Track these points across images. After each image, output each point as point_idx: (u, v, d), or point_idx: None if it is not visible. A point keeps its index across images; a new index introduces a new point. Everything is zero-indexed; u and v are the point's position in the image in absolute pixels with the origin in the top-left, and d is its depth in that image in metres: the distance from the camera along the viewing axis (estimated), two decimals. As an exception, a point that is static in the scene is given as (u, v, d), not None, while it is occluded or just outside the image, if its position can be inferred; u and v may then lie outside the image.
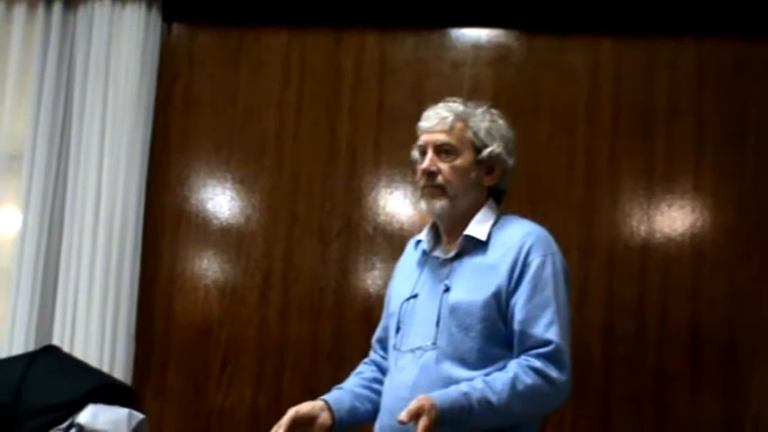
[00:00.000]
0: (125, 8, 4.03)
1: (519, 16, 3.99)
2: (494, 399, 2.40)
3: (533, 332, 2.46)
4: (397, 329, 2.68)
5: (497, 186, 2.73)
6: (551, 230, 3.75)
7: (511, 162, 2.73)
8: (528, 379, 2.42)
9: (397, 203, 3.92)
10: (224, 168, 4.04)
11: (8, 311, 3.91)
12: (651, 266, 3.81)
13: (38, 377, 3.22)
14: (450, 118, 2.65)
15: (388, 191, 3.95)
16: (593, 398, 3.74)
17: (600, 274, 3.82)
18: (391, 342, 2.70)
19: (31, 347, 3.81)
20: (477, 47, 4.00)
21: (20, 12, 4.07)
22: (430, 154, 2.65)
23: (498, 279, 2.52)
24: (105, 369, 3.76)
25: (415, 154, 2.74)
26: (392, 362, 2.68)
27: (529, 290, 2.50)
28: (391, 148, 3.94)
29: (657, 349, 3.74)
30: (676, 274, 3.79)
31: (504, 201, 3.79)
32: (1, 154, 4.04)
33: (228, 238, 4.01)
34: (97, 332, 3.85)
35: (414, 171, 2.77)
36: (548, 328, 2.46)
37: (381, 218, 3.94)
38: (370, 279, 3.90)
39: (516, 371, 2.43)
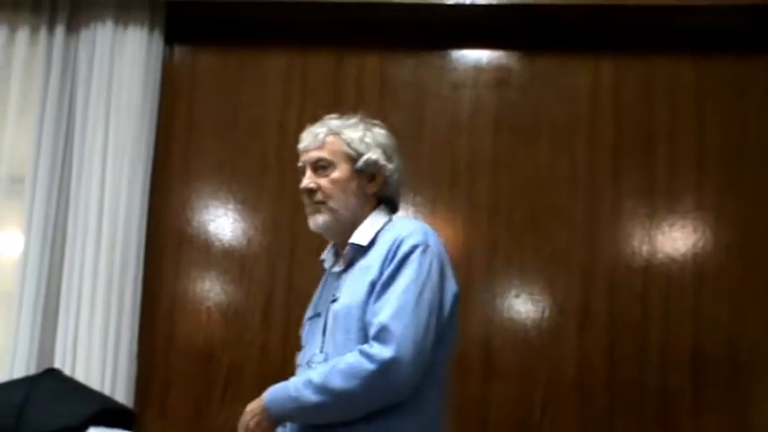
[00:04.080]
0: (127, 30, 4.05)
1: (520, 38, 4.01)
2: (313, 377, 2.43)
3: (372, 320, 2.45)
4: (302, 348, 2.74)
5: (383, 193, 2.71)
6: (554, 250, 3.83)
7: (391, 167, 2.71)
8: (351, 358, 2.41)
9: (398, 224, 3.91)
10: (226, 189, 4.05)
11: (10, 334, 3.90)
12: (653, 286, 3.81)
13: (39, 400, 3.21)
14: (322, 134, 2.68)
15: (390, 212, 3.94)
16: (597, 418, 3.74)
17: (602, 293, 3.83)
18: (296, 361, 2.76)
19: (33, 370, 3.80)
20: (477, 68, 4.02)
21: (23, 34, 4.09)
22: (308, 172, 2.67)
23: (372, 275, 2.52)
24: (107, 391, 3.75)
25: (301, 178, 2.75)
26: None
27: (385, 280, 2.48)
28: (392, 168, 3.94)
29: (660, 369, 3.74)
30: (678, 294, 3.79)
31: (507, 219, 3.86)
32: (3, 177, 4.03)
33: (230, 260, 4.01)
34: (99, 354, 3.83)
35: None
36: (383, 313, 2.43)
37: (383, 239, 3.94)
38: (372, 300, 3.89)
39: (346, 354, 2.44)
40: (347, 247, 2.64)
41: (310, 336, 2.69)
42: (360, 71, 4.03)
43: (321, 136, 2.67)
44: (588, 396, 3.76)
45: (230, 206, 4.04)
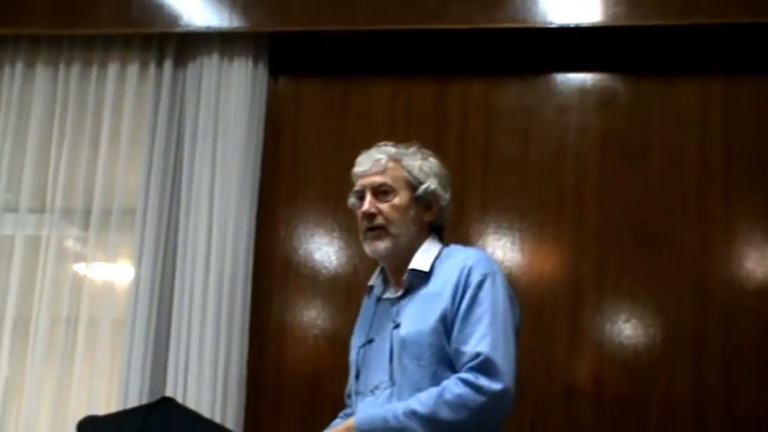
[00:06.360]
0: (232, 64, 4.13)
1: (625, 59, 3.97)
2: (419, 408, 2.41)
3: (465, 349, 2.46)
4: (358, 375, 2.70)
5: (437, 222, 2.74)
6: (664, 274, 3.76)
7: (447, 197, 2.73)
8: (456, 389, 2.41)
9: (505, 250, 3.89)
10: (331, 218, 4.07)
11: (123, 362, 3.99)
12: (770, 309, 3.71)
13: (155, 430, 3.25)
14: (384, 159, 2.69)
15: (496, 237, 3.93)
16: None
17: (715, 317, 3.75)
18: (353, 388, 2.73)
19: (145, 398, 3.87)
20: (583, 91, 3.99)
21: (132, 70, 4.21)
22: (368, 197, 2.68)
23: (443, 304, 2.53)
24: (217, 419, 3.79)
25: (352, 201, 2.76)
26: (356, 407, 2.69)
27: (465, 309, 2.50)
28: (498, 194, 3.94)
29: (781, 396, 3.64)
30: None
31: (615, 243, 3.81)
32: (115, 209, 4.14)
33: (337, 288, 4.02)
34: (209, 382, 3.88)
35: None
36: (479, 342, 2.45)
37: (490, 265, 3.91)
38: (479, 327, 3.86)
39: (445, 383, 2.44)
40: (406, 273, 2.64)
41: (369, 362, 2.67)
42: (464, 97, 4.04)
43: (383, 161, 2.70)
44: (704, 421, 3.68)
45: (336, 234, 4.07)
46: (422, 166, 2.70)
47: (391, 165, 2.69)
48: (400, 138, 4.01)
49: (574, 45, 3.98)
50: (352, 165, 4.02)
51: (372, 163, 2.71)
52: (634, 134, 3.92)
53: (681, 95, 3.91)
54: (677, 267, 3.79)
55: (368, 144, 4.01)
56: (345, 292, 4.00)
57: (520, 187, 3.95)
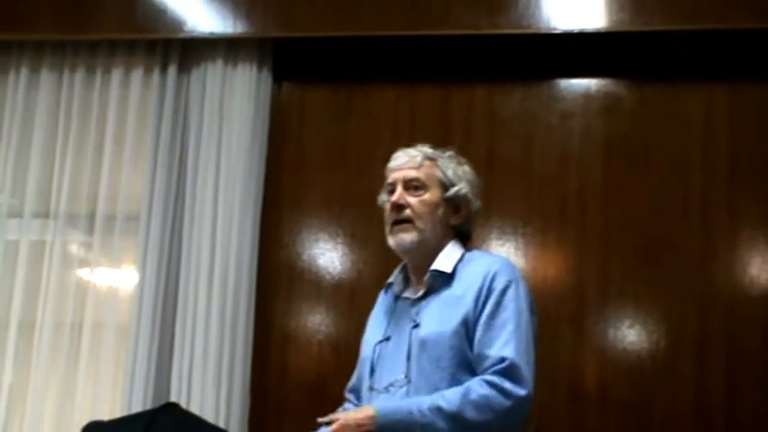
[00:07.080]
0: (236, 69, 4.13)
1: (628, 65, 3.97)
2: (444, 405, 2.44)
3: (489, 352, 2.49)
4: (372, 371, 2.71)
5: (463, 227, 2.76)
6: (668, 280, 3.76)
7: (477, 205, 2.77)
8: (481, 389, 2.45)
9: (508, 255, 3.88)
10: (335, 224, 4.08)
11: (127, 367, 3.99)
12: (774, 315, 3.71)
13: (160, 435, 3.26)
14: (419, 157, 2.73)
15: (500, 242, 3.93)
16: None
17: (719, 322, 3.75)
18: (366, 384, 2.73)
19: (150, 403, 3.88)
20: (586, 97, 3.99)
21: (137, 76, 4.21)
22: (399, 189, 2.70)
23: (465, 307, 2.56)
24: (221, 424, 3.79)
25: (383, 197, 2.78)
26: (368, 403, 2.67)
27: (489, 313, 2.53)
28: (501, 199, 3.93)
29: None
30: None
31: (619, 249, 3.81)
32: (119, 214, 4.15)
33: (341, 294, 4.03)
34: (213, 387, 3.89)
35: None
36: (503, 347, 2.48)
37: (493, 270, 3.91)
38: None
39: (469, 384, 2.47)
40: (428, 274, 2.66)
41: (385, 360, 2.68)
42: (468, 103, 4.04)
43: (418, 158, 2.72)
44: (707, 428, 3.68)
45: (340, 240, 4.07)
46: (456, 169, 2.75)
47: (427, 163, 2.73)
48: (403, 143, 4.01)
49: (577, 51, 3.98)
50: (355, 170, 4.09)
51: (408, 158, 2.74)
52: (638, 140, 3.92)
53: (685, 101, 3.91)
54: (681, 273, 3.80)
55: (372, 149, 4.07)
56: (349, 298, 4.01)
57: (523, 193, 3.95)
